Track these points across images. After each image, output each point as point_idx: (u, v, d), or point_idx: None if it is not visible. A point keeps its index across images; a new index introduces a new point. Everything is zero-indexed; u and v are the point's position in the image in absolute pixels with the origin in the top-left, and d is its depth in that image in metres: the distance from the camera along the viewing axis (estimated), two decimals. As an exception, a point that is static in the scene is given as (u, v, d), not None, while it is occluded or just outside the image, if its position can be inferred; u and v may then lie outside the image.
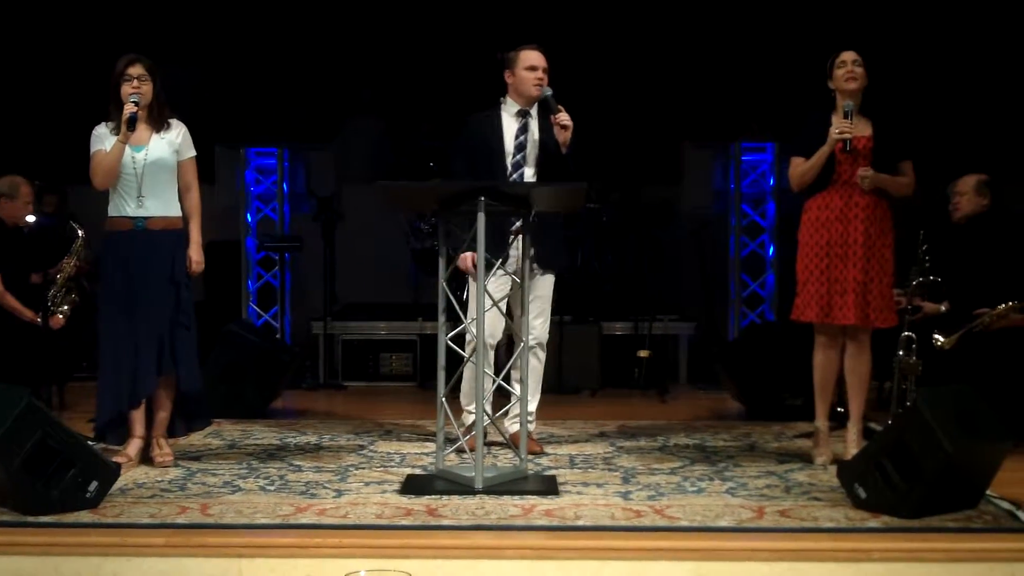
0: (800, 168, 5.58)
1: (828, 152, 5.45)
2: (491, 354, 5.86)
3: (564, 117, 5.72)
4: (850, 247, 5.50)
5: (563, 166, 5.77)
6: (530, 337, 5.63)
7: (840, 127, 5.42)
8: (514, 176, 5.81)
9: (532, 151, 5.85)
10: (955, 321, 6.00)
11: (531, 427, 5.81)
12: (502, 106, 5.93)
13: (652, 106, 10.09)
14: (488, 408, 5.44)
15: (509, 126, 5.88)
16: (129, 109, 5.37)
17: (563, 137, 5.73)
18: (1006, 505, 4.75)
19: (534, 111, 5.91)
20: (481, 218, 5.00)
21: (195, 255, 5.58)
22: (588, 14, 10.08)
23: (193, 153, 5.66)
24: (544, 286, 5.91)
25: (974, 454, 4.60)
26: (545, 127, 5.84)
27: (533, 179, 5.83)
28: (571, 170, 5.75)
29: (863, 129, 5.51)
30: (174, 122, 5.61)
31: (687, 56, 10.09)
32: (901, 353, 5.86)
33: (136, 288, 5.47)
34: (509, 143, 5.85)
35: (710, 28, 10.08)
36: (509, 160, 5.83)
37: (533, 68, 5.83)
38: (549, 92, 5.78)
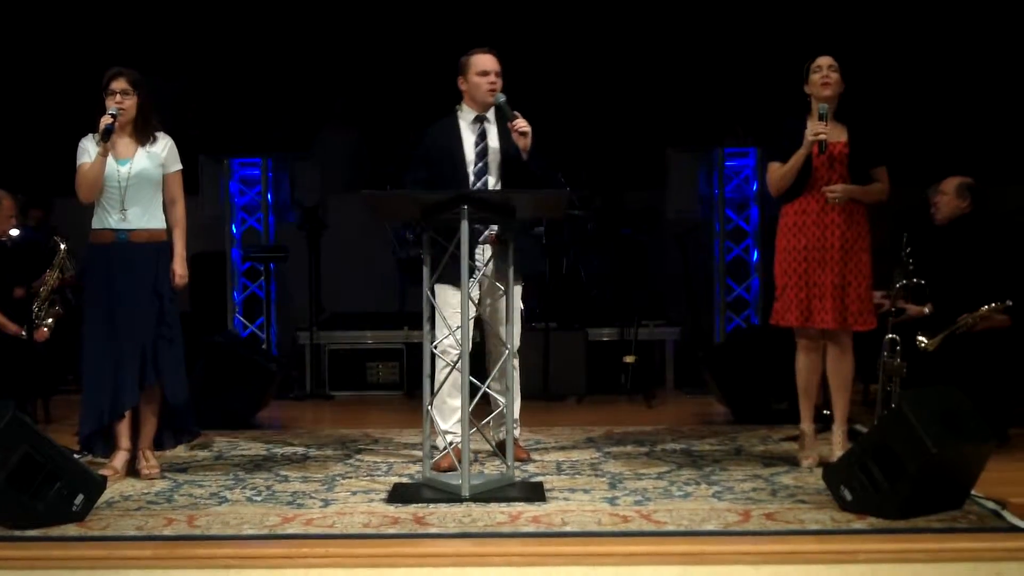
0: (777, 173, 5.61)
1: (804, 155, 5.48)
2: (448, 369, 5.59)
3: (521, 123, 5.60)
4: (827, 251, 5.52)
5: (526, 172, 5.66)
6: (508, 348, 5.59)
7: (815, 130, 5.44)
8: (478, 184, 5.70)
9: (494, 158, 5.75)
10: (939, 323, 6.02)
11: (516, 432, 5.76)
12: (458, 113, 5.82)
13: (636, 111, 10.11)
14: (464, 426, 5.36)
15: (467, 134, 5.77)
16: (105, 121, 5.37)
17: (523, 143, 5.61)
18: (991, 505, 4.77)
19: (491, 116, 5.79)
20: (464, 226, 5.01)
21: (179, 268, 5.57)
22: (571, 20, 10.10)
23: (179, 167, 5.65)
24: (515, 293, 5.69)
25: (959, 455, 4.62)
26: (503, 134, 5.73)
27: (497, 186, 5.72)
28: (535, 175, 5.66)
29: (838, 135, 5.54)
30: (160, 135, 5.60)
31: (670, 61, 10.12)
32: (885, 355, 5.88)
33: (119, 300, 5.47)
34: (470, 151, 5.74)
35: (693, 34, 10.11)
36: (471, 168, 5.72)
37: (485, 73, 5.70)
38: (503, 99, 5.66)
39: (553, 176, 5.79)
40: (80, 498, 4.74)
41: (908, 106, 9.52)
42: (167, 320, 5.55)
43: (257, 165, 9.08)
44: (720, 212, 8.87)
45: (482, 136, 5.77)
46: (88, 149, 5.46)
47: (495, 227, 5.55)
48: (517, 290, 5.78)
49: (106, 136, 5.37)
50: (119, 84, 5.47)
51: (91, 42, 9.66)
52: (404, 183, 5.86)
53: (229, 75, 10.23)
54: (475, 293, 5.66)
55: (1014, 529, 4.49)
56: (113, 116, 5.38)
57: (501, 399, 5.61)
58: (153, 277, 5.51)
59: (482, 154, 5.74)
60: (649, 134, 9.72)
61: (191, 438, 5.93)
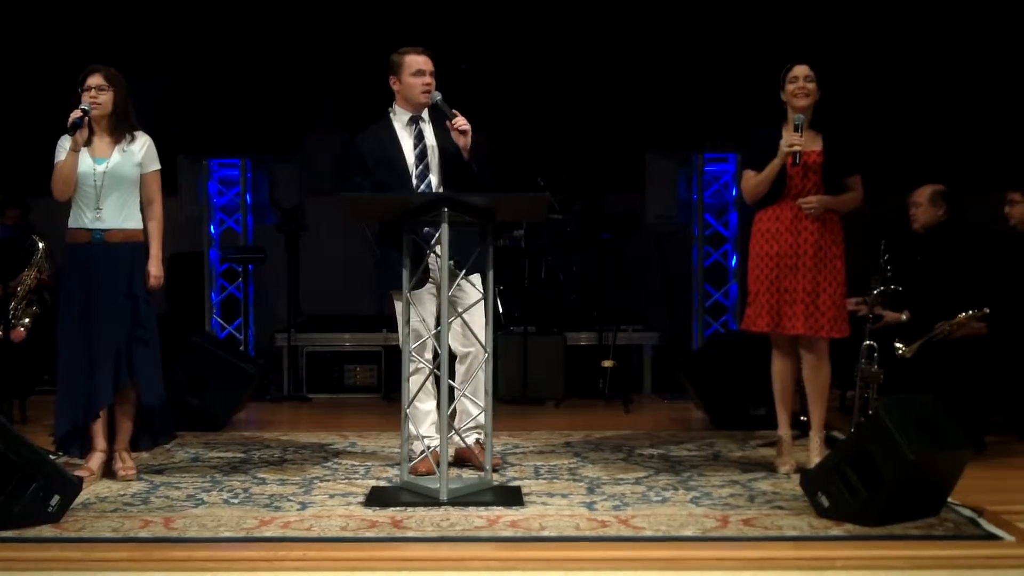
0: (752, 181, 5.63)
1: (779, 165, 5.50)
2: (417, 374, 5.55)
3: (461, 121, 5.52)
4: (800, 258, 5.54)
5: (467, 172, 5.58)
6: (474, 348, 5.55)
7: (791, 140, 5.46)
8: (421, 187, 5.60)
9: (433, 158, 5.65)
10: (916, 330, 6.04)
11: (479, 437, 5.66)
12: (391, 116, 5.73)
13: (616, 116, 10.11)
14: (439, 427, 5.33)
15: (404, 136, 5.67)
16: (74, 115, 5.33)
17: (463, 142, 5.53)
18: (968, 512, 4.79)
19: (426, 115, 5.71)
20: (445, 229, 5.00)
21: (154, 270, 5.54)
22: (553, 26, 10.10)
23: (157, 167, 5.62)
24: (472, 294, 5.62)
25: (936, 462, 4.64)
26: (440, 133, 5.65)
27: (440, 188, 5.62)
28: (475, 175, 5.58)
29: (813, 143, 5.56)
30: (139, 134, 5.57)
31: (651, 66, 10.12)
32: (863, 362, 5.90)
33: (94, 301, 5.44)
34: (409, 154, 5.65)
35: (674, 39, 10.12)
36: (413, 170, 5.63)
37: (420, 73, 5.60)
38: (439, 97, 5.57)
39: (488, 176, 5.69)
40: (56, 499, 4.72)
41: (885, 113, 9.55)
42: (142, 321, 5.52)
43: (236, 166, 9.05)
44: (699, 217, 8.89)
45: (419, 137, 5.68)
46: (65, 147, 5.44)
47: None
48: (477, 282, 5.65)
49: (72, 130, 5.32)
50: (95, 80, 5.44)
51: (70, 41, 9.61)
52: (351, 189, 5.68)
53: (210, 75, 10.18)
54: (431, 302, 5.58)
55: (990, 537, 4.51)
56: (84, 111, 5.35)
57: (467, 401, 5.59)
58: (128, 277, 5.48)
59: (422, 155, 5.65)
60: (629, 138, 9.72)
61: (168, 440, 5.90)
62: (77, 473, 5.15)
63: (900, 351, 5.89)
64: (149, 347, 5.55)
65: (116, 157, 5.48)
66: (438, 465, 5.13)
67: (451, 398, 5.55)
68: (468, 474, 5.64)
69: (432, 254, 5.38)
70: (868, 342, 5.90)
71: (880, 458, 4.56)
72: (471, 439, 5.65)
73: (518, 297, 8.52)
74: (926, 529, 4.61)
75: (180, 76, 10.16)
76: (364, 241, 9.02)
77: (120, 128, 5.51)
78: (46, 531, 4.62)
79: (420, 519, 4.77)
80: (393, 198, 5.43)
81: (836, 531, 4.59)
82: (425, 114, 5.72)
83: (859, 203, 5.65)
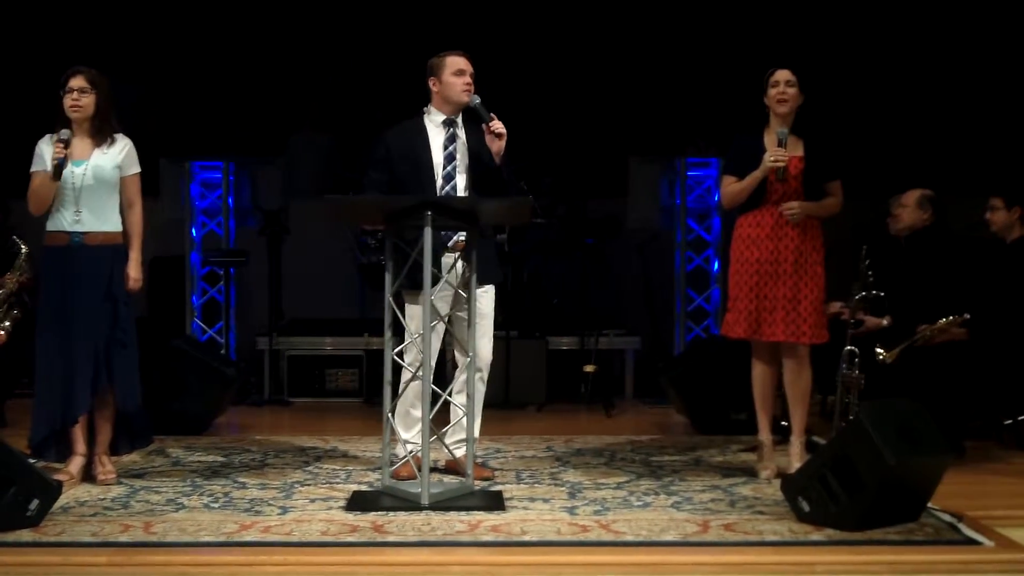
0: (732, 189, 5.65)
1: (760, 178, 5.52)
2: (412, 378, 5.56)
3: (498, 125, 5.52)
4: (780, 264, 5.56)
5: (496, 178, 5.59)
6: (476, 360, 5.57)
7: (774, 155, 5.47)
8: (446, 188, 5.59)
9: (463, 161, 5.64)
10: (897, 335, 6.06)
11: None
12: (425, 116, 5.72)
13: (599, 120, 10.12)
14: (436, 429, 5.37)
15: (436, 136, 5.66)
16: (57, 155, 5.33)
17: (497, 146, 5.53)
18: (947, 517, 4.80)
19: (460, 119, 5.71)
20: (427, 232, 5.00)
21: (133, 272, 5.52)
22: (536, 30, 10.11)
23: (137, 169, 5.60)
24: (485, 303, 5.68)
25: (916, 467, 4.66)
26: (475, 136, 5.65)
27: (466, 191, 5.63)
28: (504, 181, 5.61)
29: (795, 148, 5.58)
30: (119, 137, 5.54)
31: (634, 71, 10.14)
32: (844, 367, 5.91)
33: (73, 304, 5.42)
34: (437, 154, 5.63)
35: (656, 44, 10.14)
36: (439, 172, 5.61)
37: (461, 73, 5.61)
38: (478, 100, 5.58)
39: (517, 184, 5.73)
40: (35, 503, 4.70)
41: (865, 119, 9.58)
42: (121, 324, 5.50)
43: (219, 168, 9.03)
44: (681, 222, 8.90)
45: (451, 139, 5.67)
46: (44, 155, 5.41)
47: (463, 234, 5.50)
48: (490, 297, 5.74)
49: (57, 172, 5.34)
50: (77, 82, 5.42)
51: (51, 44, 9.58)
52: (362, 186, 5.78)
53: (192, 77, 10.16)
54: (445, 305, 5.59)
55: (970, 542, 4.53)
56: (64, 143, 5.34)
57: (461, 410, 5.59)
58: (108, 280, 5.46)
59: (451, 157, 5.64)
60: (612, 143, 9.73)
61: (146, 444, 5.89)
62: (56, 477, 5.12)
63: (881, 356, 5.90)
64: (128, 351, 5.53)
65: (96, 159, 5.46)
66: (420, 470, 5.12)
67: (442, 405, 5.55)
68: (450, 479, 5.63)
69: (444, 256, 5.43)
70: (849, 347, 5.91)
71: (861, 463, 4.57)
72: (461, 452, 5.61)
73: (500, 301, 8.51)
74: (906, 534, 4.62)
75: (163, 78, 10.14)
76: (347, 244, 9.06)
77: (102, 131, 5.49)
78: (25, 535, 4.59)
79: (401, 524, 4.76)
80: (376, 201, 5.43)
81: (817, 536, 4.60)
82: (460, 119, 5.71)
83: (839, 208, 5.68)
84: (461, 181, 5.64)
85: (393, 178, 5.63)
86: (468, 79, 5.63)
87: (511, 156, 5.65)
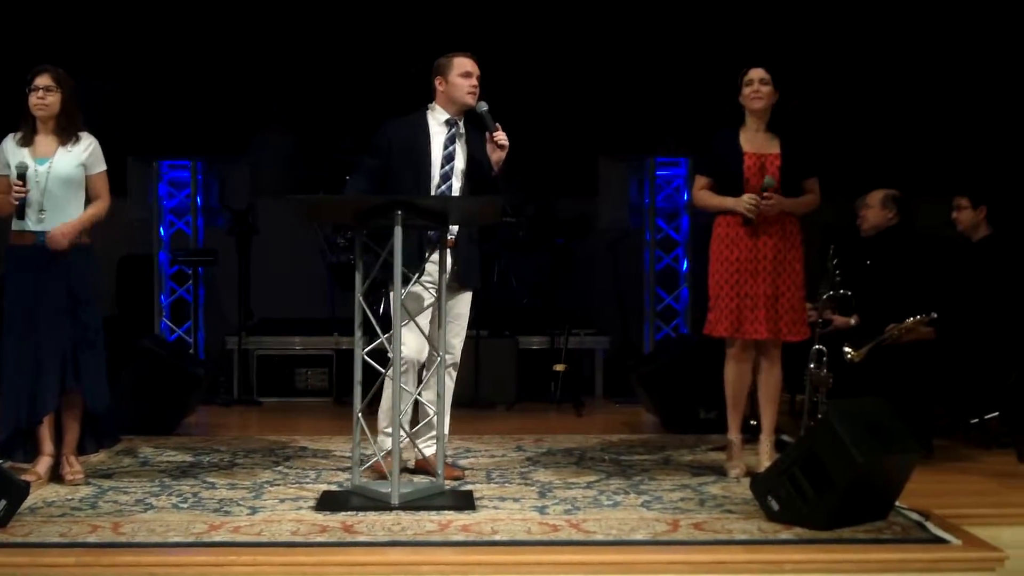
0: (703, 198, 5.70)
1: (731, 208, 5.55)
2: (414, 372, 5.61)
3: (502, 136, 5.51)
4: (760, 262, 5.58)
5: (492, 187, 5.58)
6: (450, 357, 5.58)
7: (749, 205, 5.49)
8: (442, 188, 5.58)
9: (460, 164, 5.63)
10: (865, 334, 6.09)
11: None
12: (428, 113, 5.70)
13: (568, 119, 10.12)
14: (407, 429, 5.37)
15: (437, 134, 5.64)
16: (18, 196, 5.31)
17: (497, 156, 5.54)
18: (915, 516, 4.83)
19: (462, 122, 5.70)
20: (398, 232, 4.99)
21: (64, 228, 5.40)
22: (505, 29, 10.10)
23: (103, 167, 5.57)
24: (463, 303, 5.71)
25: (884, 466, 4.69)
26: (475, 143, 5.65)
27: (459, 194, 5.62)
28: (498, 191, 5.60)
29: (771, 146, 5.61)
30: (84, 135, 5.52)
31: (604, 70, 10.15)
32: (812, 366, 5.93)
33: (38, 303, 5.39)
34: (437, 151, 5.61)
35: (626, 43, 10.15)
36: (436, 169, 5.59)
37: (468, 75, 5.61)
38: (485, 107, 5.57)
39: (505, 197, 5.74)
40: (2, 504, 4.67)
41: (833, 119, 9.62)
42: (88, 324, 5.47)
43: (186, 167, 8.98)
44: (651, 221, 8.92)
45: (452, 140, 5.65)
46: (7, 152, 5.40)
47: (454, 231, 5.49)
48: (467, 298, 5.76)
49: (20, 212, 5.35)
50: (43, 80, 5.40)
51: (19, 41, 9.50)
52: (357, 168, 5.76)
53: (159, 76, 10.11)
54: (425, 301, 5.56)
55: (937, 540, 4.55)
56: (22, 178, 5.32)
57: (431, 409, 5.59)
58: (73, 280, 5.43)
59: (450, 158, 5.62)
60: (582, 143, 9.74)
61: (112, 443, 5.87)
62: (24, 477, 5.09)
63: (849, 355, 5.93)
64: (95, 350, 5.50)
65: (59, 157, 5.43)
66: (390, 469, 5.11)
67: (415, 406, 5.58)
68: (420, 478, 5.62)
69: (430, 255, 5.39)
70: (817, 346, 5.93)
71: (829, 462, 4.59)
72: (431, 450, 5.60)
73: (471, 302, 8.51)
74: (874, 533, 4.65)
75: (130, 77, 10.08)
76: (317, 244, 9.03)
77: (67, 129, 5.46)
78: (-8, 536, 4.57)
79: (371, 524, 4.75)
80: (341, 201, 5.43)
81: (786, 534, 4.62)
82: (462, 121, 5.69)
83: (817, 205, 5.70)
84: (457, 184, 5.64)
85: (390, 167, 5.59)
86: (475, 81, 5.62)
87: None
